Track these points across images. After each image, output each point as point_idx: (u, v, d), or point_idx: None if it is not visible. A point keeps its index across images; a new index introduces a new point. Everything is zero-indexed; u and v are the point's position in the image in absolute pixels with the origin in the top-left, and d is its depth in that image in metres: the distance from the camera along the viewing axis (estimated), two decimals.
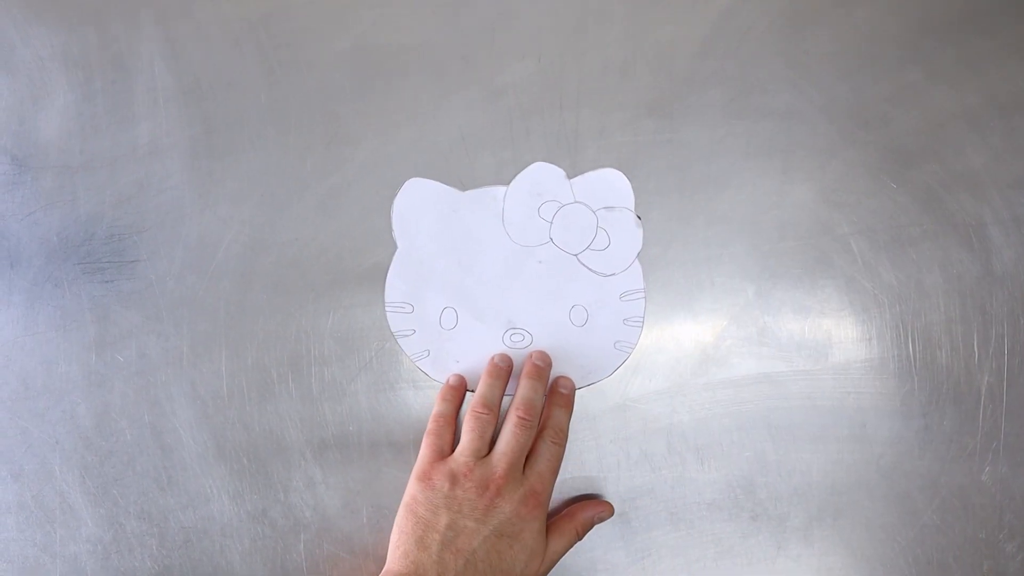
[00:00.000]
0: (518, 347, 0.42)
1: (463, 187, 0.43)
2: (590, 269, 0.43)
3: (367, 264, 0.43)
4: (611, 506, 0.42)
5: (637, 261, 0.43)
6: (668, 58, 0.45)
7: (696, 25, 0.45)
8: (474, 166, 0.44)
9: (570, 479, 0.43)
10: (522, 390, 0.41)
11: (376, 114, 0.44)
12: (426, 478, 0.39)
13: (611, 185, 0.43)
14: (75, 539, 0.43)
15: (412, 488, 0.39)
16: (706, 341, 0.44)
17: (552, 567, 0.40)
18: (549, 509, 0.40)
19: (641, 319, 0.43)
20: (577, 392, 0.43)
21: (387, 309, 0.42)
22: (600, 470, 0.43)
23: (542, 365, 0.42)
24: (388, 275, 0.42)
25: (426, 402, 0.43)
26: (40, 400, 0.43)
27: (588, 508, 0.42)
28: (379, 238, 0.43)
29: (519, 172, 0.43)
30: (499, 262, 0.43)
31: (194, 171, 0.43)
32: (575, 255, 0.43)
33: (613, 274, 0.43)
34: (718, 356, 0.44)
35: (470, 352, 0.42)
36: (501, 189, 0.43)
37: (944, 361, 0.44)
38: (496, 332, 0.42)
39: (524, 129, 0.44)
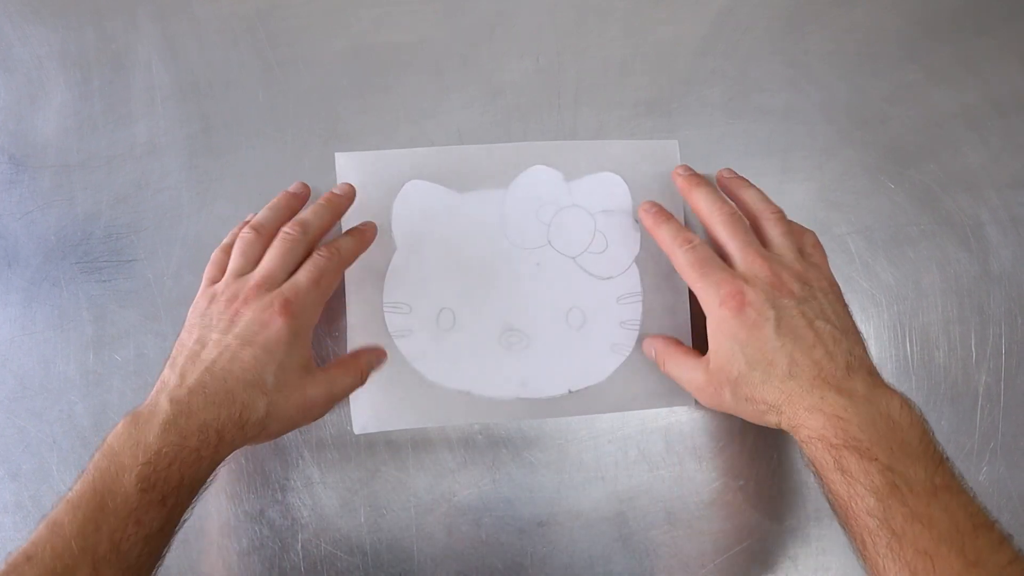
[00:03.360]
0: (515, 349, 0.42)
1: (462, 187, 0.43)
2: (587, 272, 0.43)
3: (366, 263, 0.42)
4: (384, 352, 0.42)
5: (635, 264, 0.43)
6: (667, 57, 0.45)
7: (695, 24, 0.45)
8: (472, 163, 0.44)
9: (568, 478, 0.43)
10: (301, 212, 0.40)
11: (374, 113, 0.44)
12: (193, 304, 0.38)
13: (609, 188, 0.43)
14: None
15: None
16: (705, 340, 0.43)
17: (334, 400, 0.38)
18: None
19: (638, 322, 0.43)
20: (574, 393, 0.42)
21: (385, 309, 0.42)
22: (598, 470, 0.43)
23: (339, 193, 0.41)
24: (386, 275, 0.42)
25: None
26: (37, 399, 0.42)
27: (367, 351, 0.41)
28: (379, 237, 0.43)
29: (518, 173, 0.43)
30: (497, 264, 0.43)
31: (192, 170, 0.43)
32: (573, 258, 0.43)
33: (610, 277, 0.43)
34: None
35: (467, 353, 0.42)
36: (500, 191, 0.43)
37: (942, 361, 0.44)
38: (493, 333, 0.42)
39: (522, 128, 0.44)
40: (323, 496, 0.43)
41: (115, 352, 0.43)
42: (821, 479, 0.33)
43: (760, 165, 0.44)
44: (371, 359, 0.41)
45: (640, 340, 0.43)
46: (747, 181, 0.41)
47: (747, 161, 0.44)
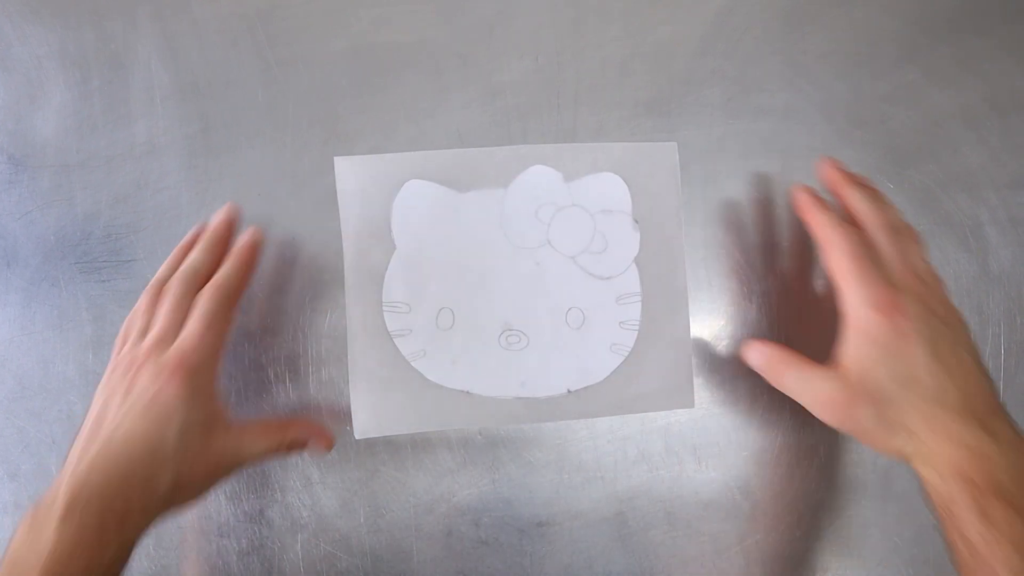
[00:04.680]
0: (514, 348, 0.42)
1: (462, 187, 0.43)
2: (587, 272, 0.43)
3: (366, 263, 0.43)
4: (330, 442, 0.39)
5: (634, 264, 0.43)
6: (666, 57, 0.45)
7: (694, 24, 0.45)
8: (471, 165, 0.44)
9: (567, 479, 0.43)
10: (189, 256, 0.38)
11: (374, 113, 0.44)
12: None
13: (609, 189, 0.43)
14: None
15: None
16: (704, 341, 0.44)
17: (240, 462, 0.36)
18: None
19: (637, 322, 0.43)
20: (574, 393, 0.42)
21: (384, 309, 0.42)
22: (597, 470, 0.43)
23: (222, 229, 0.39)
24: (386, 275, 0.42)
25: None
26: (37, 399, 0.42)
27: (308, 428, 0.38)
28: (378, 237, 0.43)
29: (518, 173, 0.43)
30: (496, 264, 0.43)
31: (191, 170, 0.43)
32: (572, 258, 0.43)
33: (610, 277, 0.43)
34: (716, 355, 0.44)
35: (466, 353, 0.42)
36: (500, 191, 0.43)
37: None
38: (492, 333, 0.42)
39: (522, 128, 0.44)
40: (323, 496, 0.43)
41: None
42: (951, 517, 0.30)
43: (759, 165, 0.44)
44: (301, 434, 0.38)
45: (639, 340, 0.43)
46: (854, 180, 0.38)
47: (746, 161, 0.44)
